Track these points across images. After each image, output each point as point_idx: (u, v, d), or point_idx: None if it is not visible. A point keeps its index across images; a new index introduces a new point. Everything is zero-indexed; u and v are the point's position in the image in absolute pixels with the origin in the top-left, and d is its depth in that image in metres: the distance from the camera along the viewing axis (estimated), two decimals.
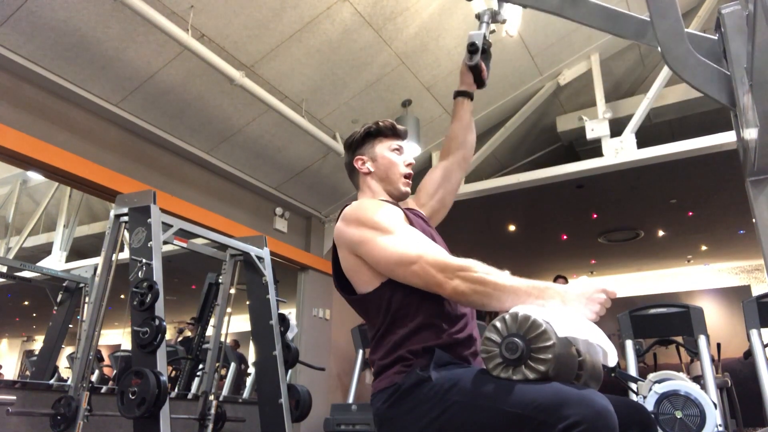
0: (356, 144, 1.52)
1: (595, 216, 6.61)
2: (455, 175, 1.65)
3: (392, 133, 1.52)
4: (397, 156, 1.50)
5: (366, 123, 1.54)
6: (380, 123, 1.52)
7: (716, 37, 1.16)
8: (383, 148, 1.50)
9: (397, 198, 1.49)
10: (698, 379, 3.63)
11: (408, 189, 1.51)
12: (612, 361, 1.06)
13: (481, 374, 1.09)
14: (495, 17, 1.60)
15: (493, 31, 1.66)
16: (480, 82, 1.66)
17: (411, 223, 1.35)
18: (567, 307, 1.08)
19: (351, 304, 1.37)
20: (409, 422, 1.15)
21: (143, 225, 2.47)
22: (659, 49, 1.11)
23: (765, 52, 0.90)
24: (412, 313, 1.25)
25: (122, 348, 6.42)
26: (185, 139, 3.81)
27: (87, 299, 3.66)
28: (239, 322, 3.99)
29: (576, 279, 1.19)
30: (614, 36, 1.37)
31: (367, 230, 1.28)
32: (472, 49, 1.56)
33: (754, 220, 1.05)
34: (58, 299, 3.87)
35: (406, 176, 1.50)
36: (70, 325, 3.91)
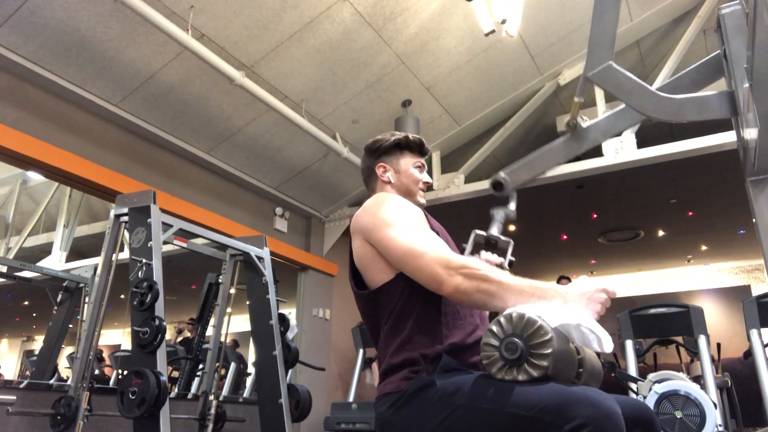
0: (382, 150, 1.52)
1: (595, 216, 6.60)
2: None
3: (419, 149, 1.54)
4: (419, 173, 1.52)
5: (394, 133, 1.55)
6: (410, 137, 1.53)
7: (703, 60, 1.20)
8: (408, 164, 1.51)
9: None
10: (698, 379, 3.63)
11: (424, 201, 1.53)
12: (608, 347, 1.06)
13: (485, 378, 1.08)
14: (508, 215, 1.54)
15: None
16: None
17: (430, 224, 1.38)
18: (568, 306, 1.08)
19: (361, 301, 1.37)
20: (412, 427, 1.15)
21: (143, 225, 2.47)
22: (654, 117, 1.19)
23: (765, 52, 0.90)
24: (419, 310, 1.25)
25: (122, 348, 6.42)
26: (185, 139, 3.81)
27: (87, 299, 3.66)
28: (239, 322, 3.99)
29: (576, 279, 1.20)
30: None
31: (382, 218, 1.30)
32: (464, 248, 1.52)
33: (754, 220, 1.05)
34: (58, 299, 3.87)
35: (422, 189, 1.53)
36: (70, 325, 3.90)
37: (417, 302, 1.25)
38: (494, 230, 1.53)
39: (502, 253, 1.54)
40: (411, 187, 1.50)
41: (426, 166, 1.56)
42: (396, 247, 1.24)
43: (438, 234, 1.35)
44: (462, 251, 1.49)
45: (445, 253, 1.20)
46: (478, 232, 1.53)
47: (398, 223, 1.28)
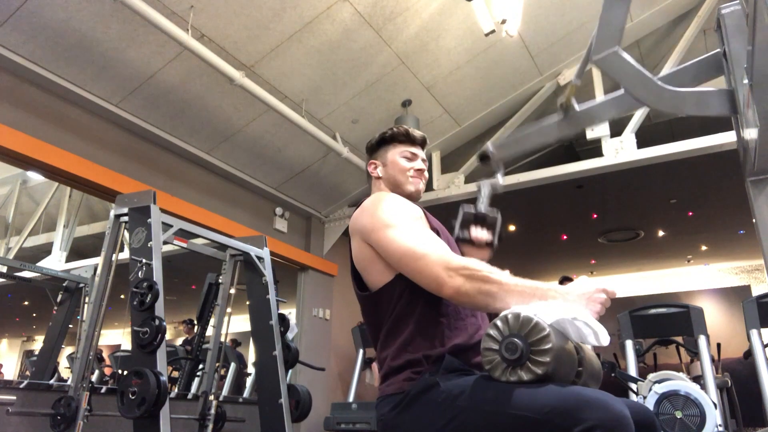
0: (372, 149, 1.53)
1: (595, 216, 6.60)
2: None
3: (406, 138, 1.50)
4: (407, 162, 1.48)
5: (390, 128, 1.53)
6: (395, 128, 1.51)
7: (704, 57, 1.19)
8: (395, 154, 1.49)
9: (409, 199, 1.47)
10: (698, 379, 3.63)
11: (415, 187, 1.47)
12: (604, 340, 1.06)
13: (490, 379, 1.07)
14: (495, 187, 1.51)
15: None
16: (487, 245, 1.52)
17: (430, 223, 1.35)
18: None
19: (363, 303, 1.36)
20: (416, 430, 1.13)
21: (143, 225, 2.47)
22: (653, 107, 1.18)
23: (765, 52, 0.90)
24: (420, 311, 1.24)
25: (122, 348, 6.43)
26: (185, 139, 3.81)
27: (87, 299, 3.66)
28: (239, 322, 3.99)
29: (576, 278, 1.19)
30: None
31: (381, 219, 1.28)
32: (454, 225, 1.49)
33: (754, 220, 1.05)
34: (58, 299, 3.87)
35: (414, 176, 1.47)
36: (70, 325, 3.90)
37: (417, 303, 1.24)
38: (482, 205, 1.51)
39: (491, 228, 1.51)
40: (398, 177, 1.46)
41: (419, 155, 1.50)
42: (395, 249, 1.23)
43: (438, 233, 1.33)
44: (451, 229, 1.46)
45: (445, 254, 1.19)
46: (467, 207, 1.50)
47: (397, 224, 1.26)
